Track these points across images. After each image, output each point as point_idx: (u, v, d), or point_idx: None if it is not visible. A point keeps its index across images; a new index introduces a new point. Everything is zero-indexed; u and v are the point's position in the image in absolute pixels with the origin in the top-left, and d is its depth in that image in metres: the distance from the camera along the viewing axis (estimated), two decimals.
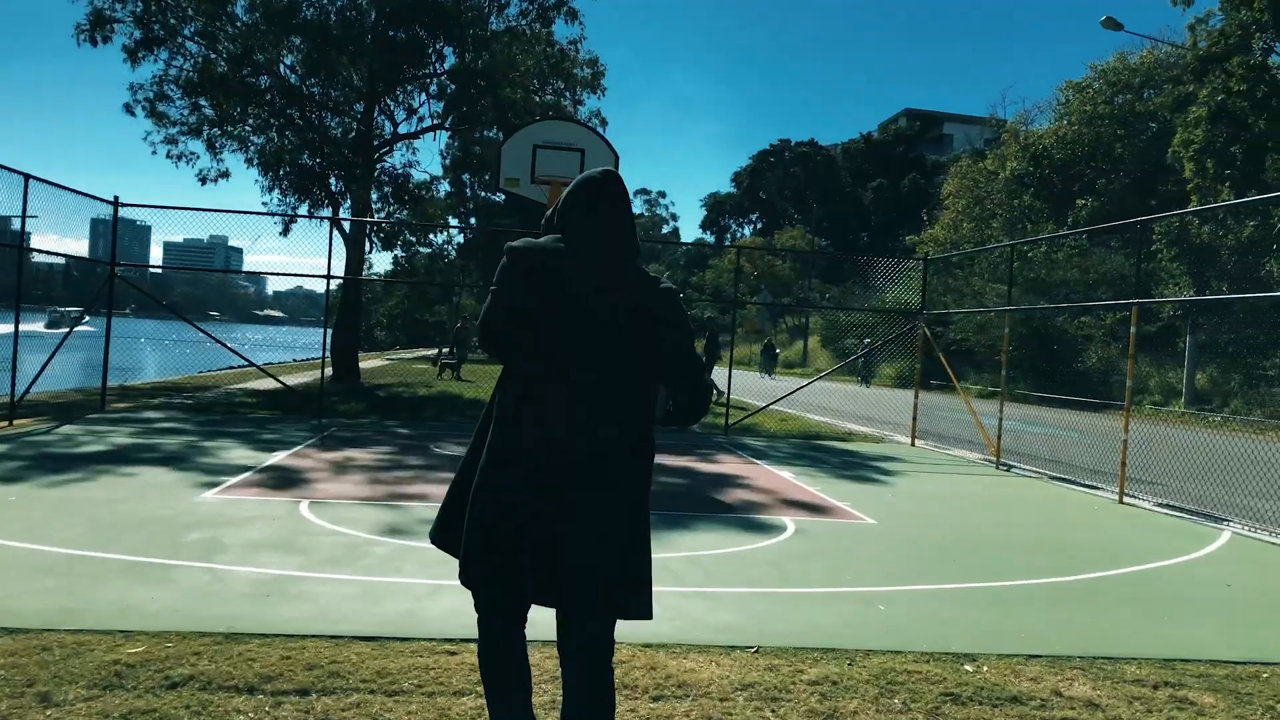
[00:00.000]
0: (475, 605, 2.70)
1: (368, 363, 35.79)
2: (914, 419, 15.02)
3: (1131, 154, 37.94)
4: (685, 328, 2.71)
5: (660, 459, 11.28)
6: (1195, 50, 30.42)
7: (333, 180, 26.64)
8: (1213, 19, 29.41)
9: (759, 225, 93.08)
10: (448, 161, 57.62)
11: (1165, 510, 9.55)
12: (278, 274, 23.11)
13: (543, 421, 2.52)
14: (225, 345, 14.47)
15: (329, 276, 14.38)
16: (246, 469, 8.94)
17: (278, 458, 9.77)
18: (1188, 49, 30.91)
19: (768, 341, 33.36)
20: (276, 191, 25.43)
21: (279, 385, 15.48)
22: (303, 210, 27.33)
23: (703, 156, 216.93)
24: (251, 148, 25.93)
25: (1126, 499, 9.89)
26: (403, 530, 6.56)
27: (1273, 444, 14.55)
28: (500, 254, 2.70)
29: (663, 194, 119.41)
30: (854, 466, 11.72)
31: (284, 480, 8.44)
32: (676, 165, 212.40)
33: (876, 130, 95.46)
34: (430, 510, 6.91)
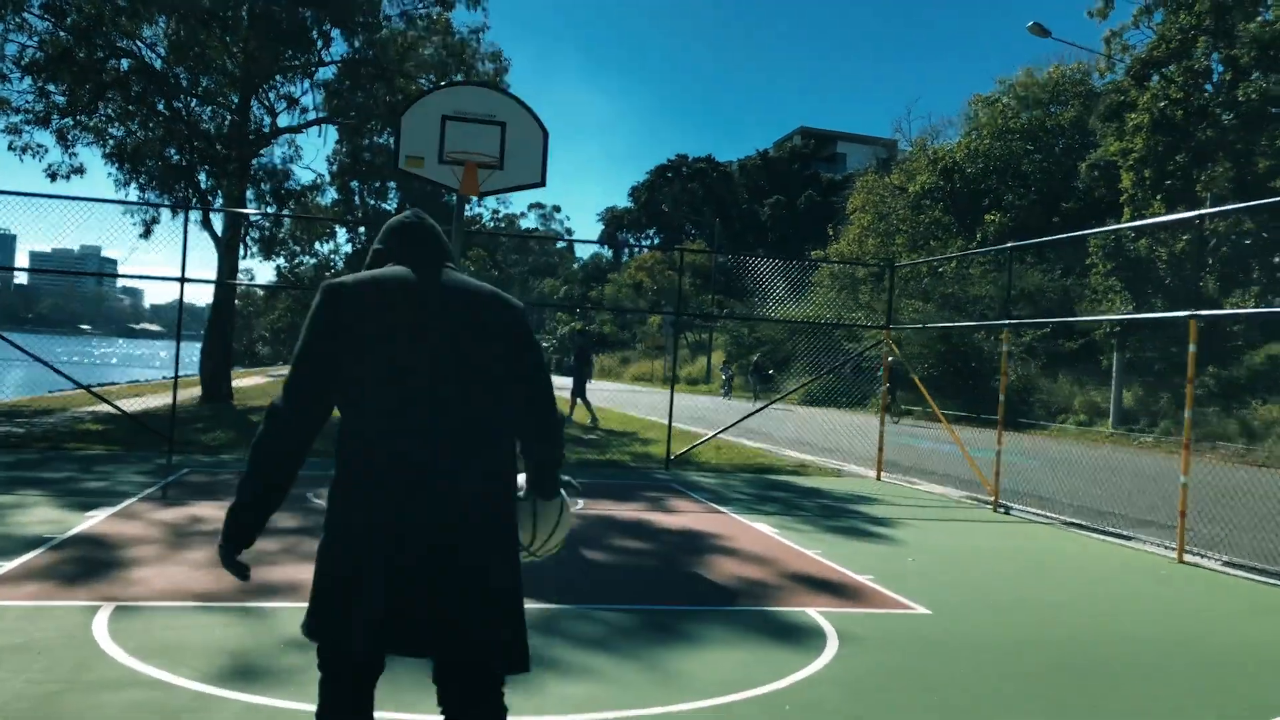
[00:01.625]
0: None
1: (244, 380, 32.38)
2: (880, 449, 13.10)
3: (1039, 170, 37.50)
4: (538, 347, 2.63)
5: (605, 508, 9.02)
6: (1110, 62, 29.89)
7: (202, 177, 23.61)
8: (1127, 32, 28.91)
9: (656, 240, 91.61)
10: (334, 167, 53.78)
11: (1249, 575, 7.77)
12: (120, 275, 19.92)
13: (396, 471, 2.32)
14: (45, 363, 11.52)
15: (183, 280, 11.66)
16: (37, 543, 6.31)
17: (93, 521, 7.14)
18: (1100, 60, 30.38)
19: (758, 360, 30.14)
20: (134, 187, 22.26)
21: (129, 411, 12.61)
22: (184, 217, 24.35)
23: (598, 171, 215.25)
24: (109, 141, 22.71)
25: (1188, 556, 8.07)
26: (258, 668, 4.15)
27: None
28: None
29: (557, 208, 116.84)
30: (834, 513, 9.68)
31: (85, 565, 5.85)
32: (571, 179, 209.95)
33: (772, 148, 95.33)
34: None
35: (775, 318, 17.71)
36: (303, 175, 32.48)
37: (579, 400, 20.53)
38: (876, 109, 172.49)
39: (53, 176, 22.34)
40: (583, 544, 7.26)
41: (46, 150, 22.10)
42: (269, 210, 24.71)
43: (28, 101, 21.49)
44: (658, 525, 8.40)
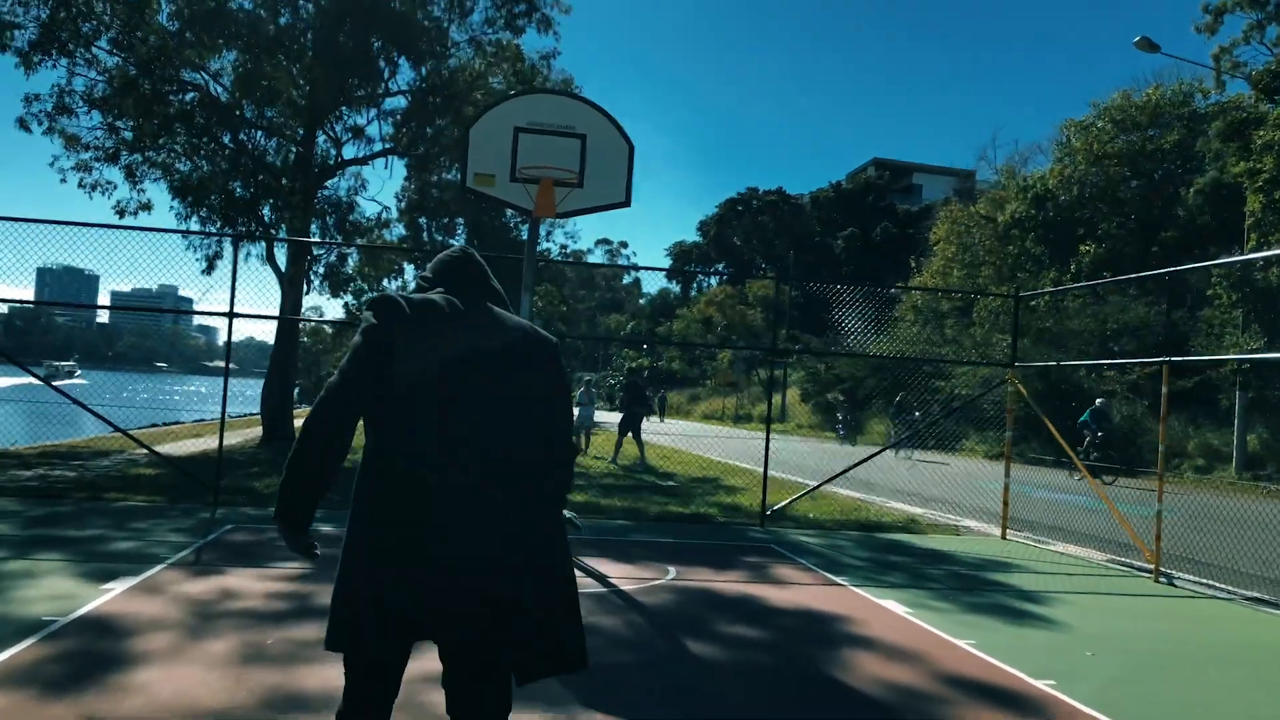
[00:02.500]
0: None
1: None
2: (1005, 503, 11.57)
3: (1138, 196, 35.50)
4: (568, 386, 2.77)
5: (701, 577, 7.72)
6: (1220, 79, 28.02)
7: (266, 211, 23.06)
8: (1238, 49, 27.06)
9: (726, 275, 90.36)
10: (402, 203, 53.33)
11: None
12: (164, 310, 19.26)
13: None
14: (81, 404, 10.61)
15: (231, 315, 10.73)
16: (33, 628, 5.24)
17: (107, 597, 6.07)
18: (1206, 79, 28.55)
19: (900, 399, 27.56)
20: (195, 220, 21.73)
21: (191, 453, 11.69)
22: (234, 247, 23.83)
23: (666, 205, 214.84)
24: (176, 175, 22.30)
25: None
26: None
27: None
28: None
29: (624, 244, 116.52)
30: (970, 584, 8.24)
31: (80, 664, 4.73)
32: (637, 215, 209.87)
33: (845, 180, 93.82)
34: None
35: (875, 353, 16.26)
36: (368, 208, 31.69)
37: (629, 435, 19.49)
38: (951, 139, 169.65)
39: (121, 213, 21.96)
40: (683, 629, 5.99)
41: (115, 186, 21.75)
42: (334, 243, 24.02)
43: (97, 138, 21.18)
44: (767, 603, 7.06)
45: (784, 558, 9.08)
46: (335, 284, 28.04)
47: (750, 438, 24.11)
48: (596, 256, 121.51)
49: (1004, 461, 12.16)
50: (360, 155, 23.48)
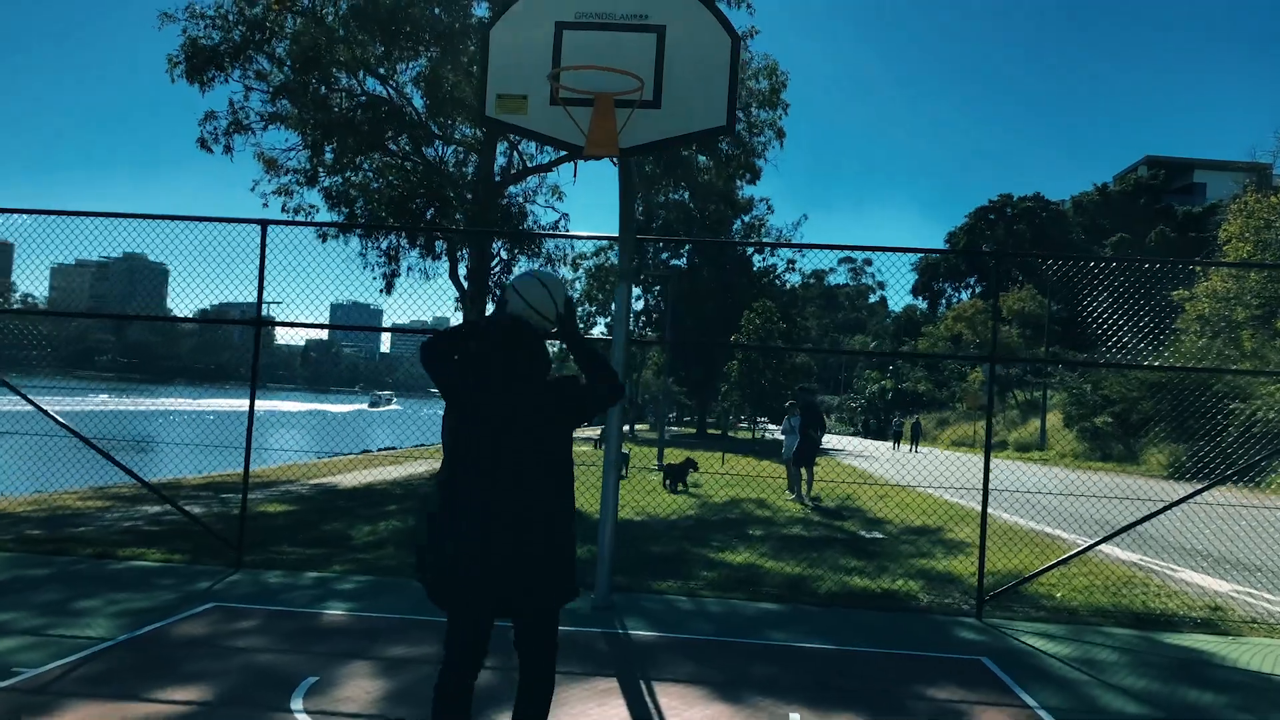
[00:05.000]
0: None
1: None
2: None
3: None
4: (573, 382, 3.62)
5: None
6: None
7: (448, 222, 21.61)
8: None
9: (978, 289, 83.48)
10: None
11: None
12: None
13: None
14: (95, 446, 8.65)
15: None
16: None
17: None
18: None
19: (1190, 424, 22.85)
20: (376, 239, 20.57)
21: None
22: (419, 266, 22.68)
23: (910, 216, 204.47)
24: (374, 197, 21.33)
25: None
26: None
27: None
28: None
29: (868, 261, 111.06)
30: None
31: None
32: (879, 227, 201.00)
33: (1113, 181, 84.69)
34: None
35: (1158, 365, 12.22)
36: (544, 215, 29.38)
37: (802, 470, 16.35)
38: (1236, 130, 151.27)
39: (324, 237, 21.16)
40: None
41: (317, 210, 20.96)
42: (513, 260, 22.19)
43: (301, 163, 20.48)
44: None
45: (1000, 691, 5.68)
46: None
47: (1001, 469, 19.99)
48: (840, 276, 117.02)
49: None
50: (546, 162, 21.49)
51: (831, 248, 23.03)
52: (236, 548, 7.96)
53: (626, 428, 46.77)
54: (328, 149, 20.20)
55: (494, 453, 3.34)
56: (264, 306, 8.14)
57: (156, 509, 11.52)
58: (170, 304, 70.23)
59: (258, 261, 7.62)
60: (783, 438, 18.82)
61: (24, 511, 11.44)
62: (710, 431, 55.95)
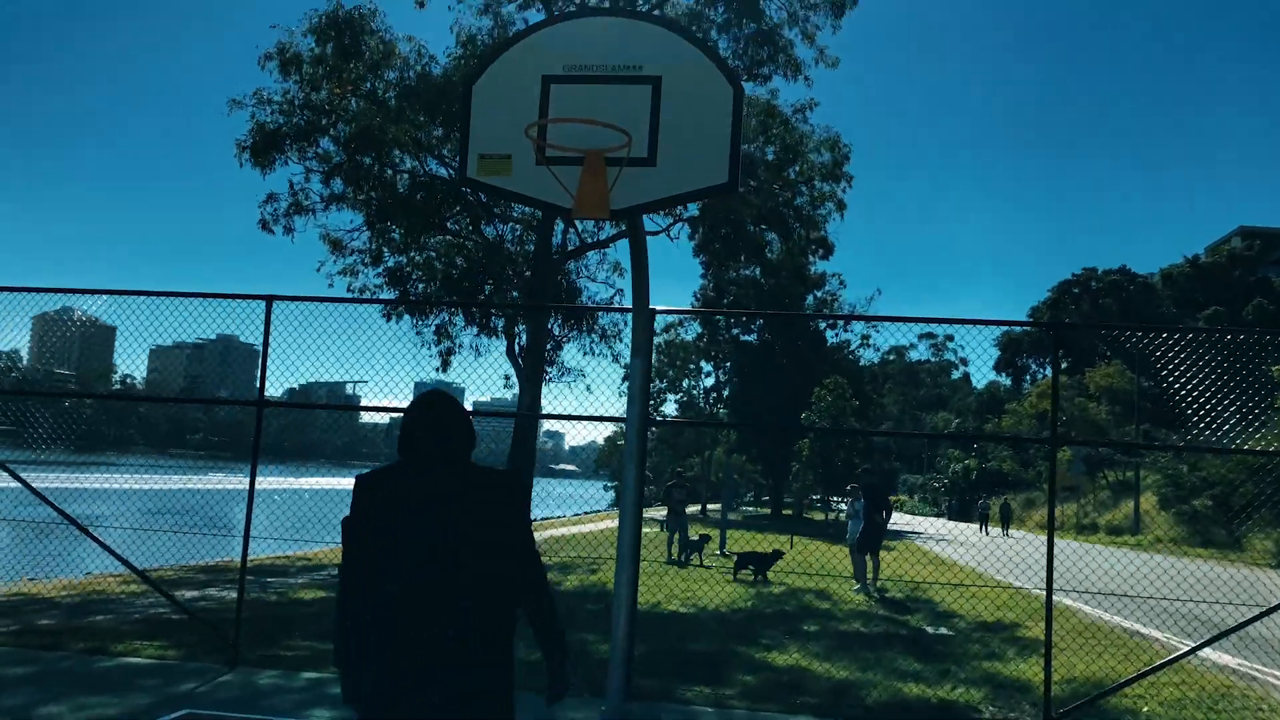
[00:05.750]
0: None
1: (557, 530, 29.35)
2: None
3: None
4: (525, 518, 3.29)
5: None
6: None
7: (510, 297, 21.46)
8: None
9: (1064, 365, 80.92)
10: (699, 300, 51.66)
11: None
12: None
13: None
14: (91, 535, 8.23)
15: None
16: None
17: None
18: None
19: None
20: (426, 316, 20.46)
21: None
22: (475, 343, 22.46)
23: (990, 291, 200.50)
24: (434, 275, 21.36)
25: None
26: None
27: None
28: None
29: (950, 338, 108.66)
30: None
31: None
32: (959, 301, 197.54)
33: (1204, 253, 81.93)
34: None
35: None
36: (603, 294, 29.17)
37: (867, 556, 15.36)
38: None
39: (388, 317, 21.18)
40: None
41: (382, 288, 21.04)
42: (567, 338, 21.82)
43: (368, 243, 20.64)
44: None
45: None
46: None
47: (1087, 556, 18.57)
48: (920, 352, 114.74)
49: None
50: (606, 237, 21.22)
51: (886, 319, 22.17)
52: (233, 644, 7.45)
53: (697, 508, 45.81)
54: (393, 230, 20.33)
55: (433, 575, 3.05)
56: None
57: (191, 593, 11.20)
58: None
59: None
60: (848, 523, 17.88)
61: (57, 596, 11.21)
62: (785, 512, 54.52)
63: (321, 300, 7.27)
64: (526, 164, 4.95)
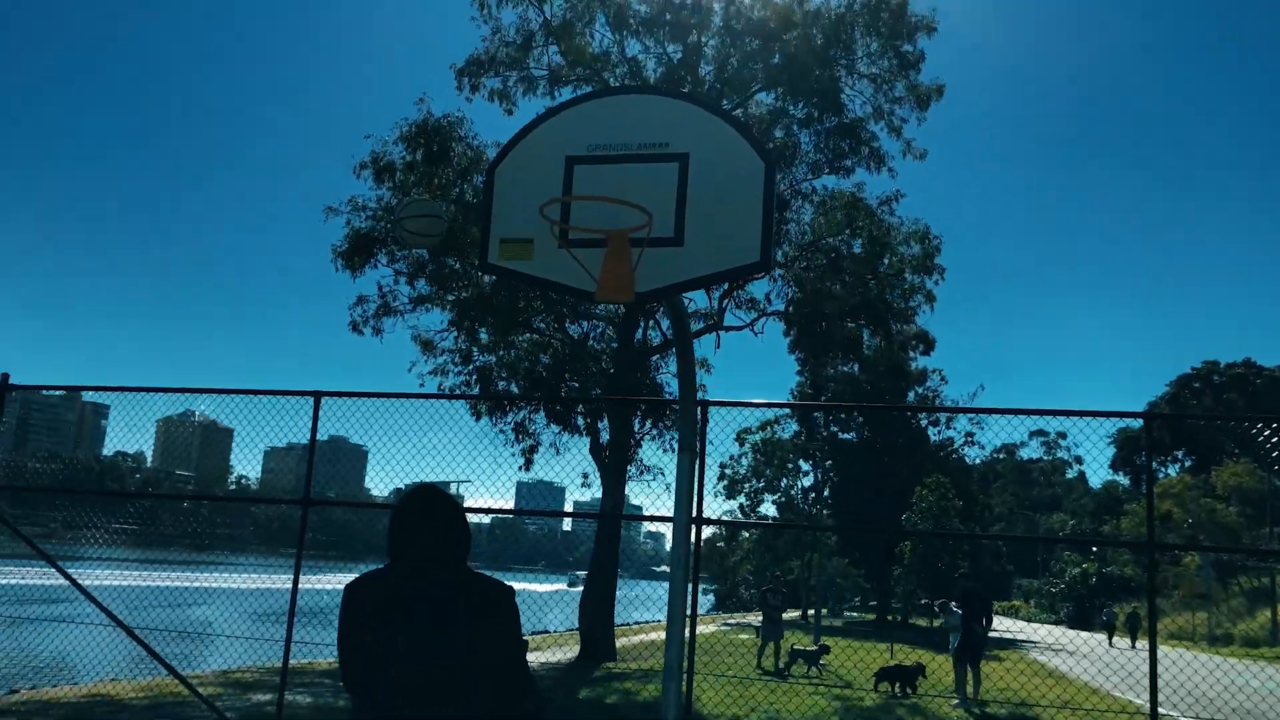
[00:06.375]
0: None
1: (648, 635, 28.48)
2: None
3: None
4: (516, 632, 3.01)
5: None
6: None
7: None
8: None
9: (1187, 463, 76.73)
10: (795, 394, 50.90)
11: None
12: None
13: None
14: (127, 629, 8.13)
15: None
16: None
17: None
18: None
19: None
20: (502, 414, 20.53)
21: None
22: (555, 440, 22.41)
23: (1104, 387, 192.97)
24: (520, 374, 21.59)
25: None
26: None
27: None
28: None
29: (1062, 435, 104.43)
30: None
31: None
32: (1068, 398, 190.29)
33: None
34: None
35: None
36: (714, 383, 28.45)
37: (967, 668, 14.25)
38: None
39: (478, 415, 21.40)
40: None
41: (471, 384, 21.32)
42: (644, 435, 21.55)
43: (460, 342, 21.00)
44: None
45: None
46: (732, 485, 26.02)
47: (1219, 668, 16.95)
48: (1032, 449, 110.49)
49: None
50: (697, 329, 21.07)
51: (972, 410, 21.30)
52: None
53: (798, 614, 44.28)
54: (481, 331, 20.60)
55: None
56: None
57: (265, 696, 11.06)
58: (368, 484, 74.17)
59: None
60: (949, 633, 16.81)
61: (129, 698, 11.19)
62: (890, 618, 52.27)
63: (369, 395, 7.18)
64: (549, 248, 4.74)
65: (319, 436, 7.45)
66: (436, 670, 2.80)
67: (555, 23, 19.35)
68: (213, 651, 17.52)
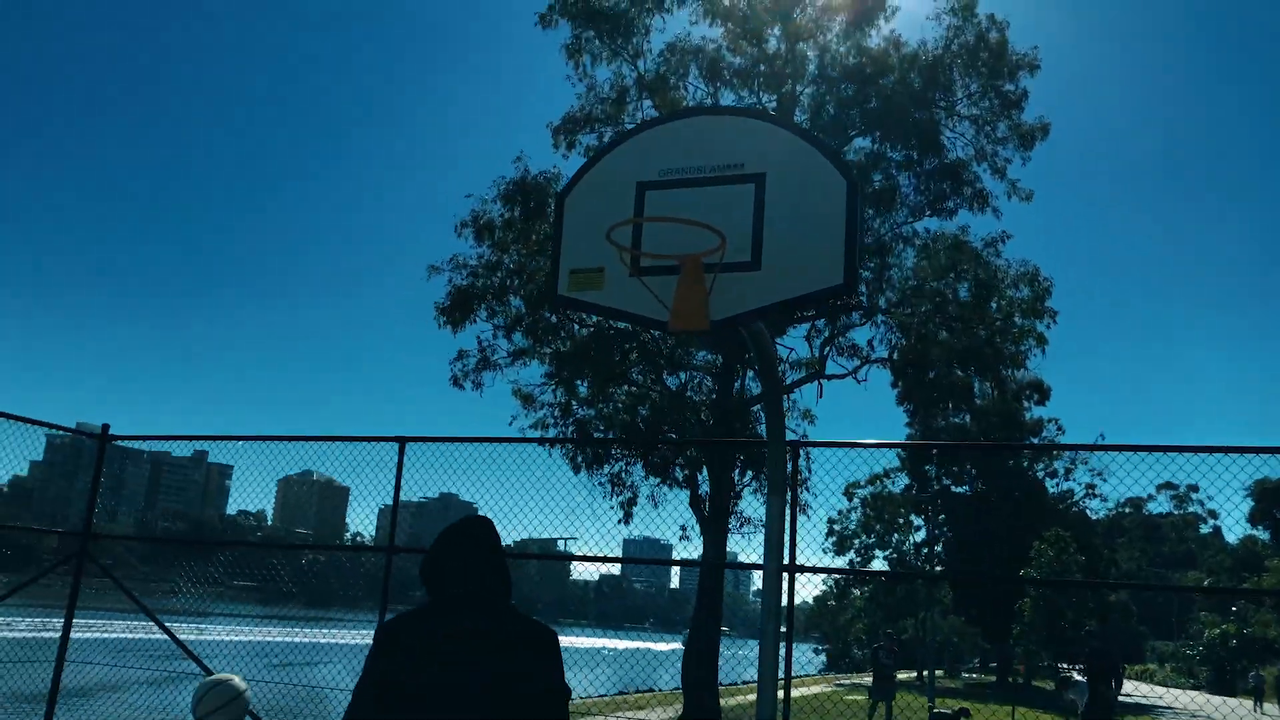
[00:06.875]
0: None
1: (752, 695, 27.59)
2: None
3: None
4: (558, 677, 2.89)
5: None
6: None
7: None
8: None
9: None
10: (903, 454, 49.68)
11: None
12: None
13: None
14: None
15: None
16: None
17: None
18: None
19: None
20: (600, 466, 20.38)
21: None
22: (649, 492, 22.11)
23: (1236, 434, 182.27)
24: (618, 427, 21.53)
25: None
26: None
27: None
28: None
29: (1194, 488, 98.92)
30: None
31: None
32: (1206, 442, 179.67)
33: None
34: None
35: None
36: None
37: None
38: None
39: (576, 469, 21.40)
40: None
41: (571, 434, 21.39)
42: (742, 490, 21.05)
43: (557, 397, 21.11)
44: None
45: None
46: (841, 541, 25.26)
47: None
48: (1161, 504, 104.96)
49: None
50: (790, 382, 20.69)
51: (1077, 447, 20.23)
52: None
53: (912, 675, 42.58)
54: (580, 385, 20.64)
55: None
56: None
57: None
58: None
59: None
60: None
61: None
62: (1011, 679, 49.83)
63: (452, 440, 7.12)
64: (619, 276, 4.59)
65: (430, 493, 7.51)
66: (471, 708, 2.67)
67: (649, 77, 19.54)
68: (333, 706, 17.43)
